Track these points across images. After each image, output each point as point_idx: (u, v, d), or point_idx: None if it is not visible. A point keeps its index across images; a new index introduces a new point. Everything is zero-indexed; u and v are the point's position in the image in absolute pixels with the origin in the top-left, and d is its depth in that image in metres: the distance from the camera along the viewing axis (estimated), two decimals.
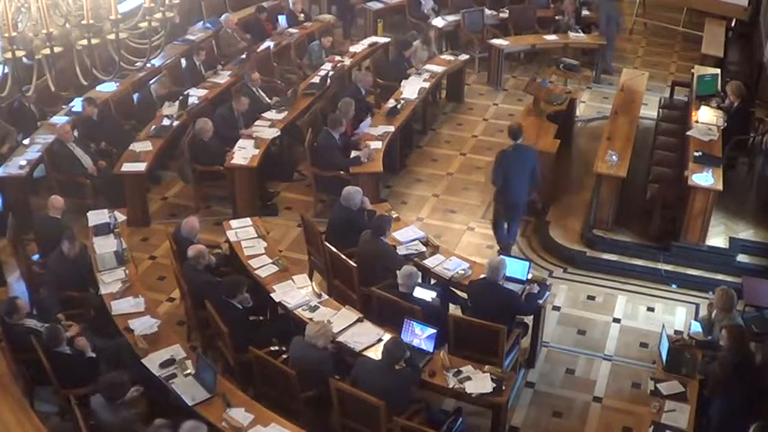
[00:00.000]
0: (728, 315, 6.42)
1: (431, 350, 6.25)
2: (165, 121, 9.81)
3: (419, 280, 6.94)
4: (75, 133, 9.29)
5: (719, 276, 8.20)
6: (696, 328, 6.70)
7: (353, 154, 9.08)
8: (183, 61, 11.53)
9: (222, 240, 8.09)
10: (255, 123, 9.80)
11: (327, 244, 7.42)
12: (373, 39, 12.94)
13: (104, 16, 4.39)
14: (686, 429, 5.64)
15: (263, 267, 7.28)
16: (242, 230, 7.79)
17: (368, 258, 7.19)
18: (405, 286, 6.67)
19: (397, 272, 6.73)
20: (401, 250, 7.47)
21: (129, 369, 5.96)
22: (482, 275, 6.79)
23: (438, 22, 13.33)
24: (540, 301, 6.92)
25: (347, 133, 9.50)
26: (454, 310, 7.08)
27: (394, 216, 7.87)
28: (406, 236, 7.71)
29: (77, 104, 9.86)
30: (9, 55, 4.10)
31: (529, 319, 7.04)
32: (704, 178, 8.08)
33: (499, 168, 8.14)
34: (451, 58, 11.90)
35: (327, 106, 10.37)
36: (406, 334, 6.31)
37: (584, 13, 13.33)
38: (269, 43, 12.16)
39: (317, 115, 10.08)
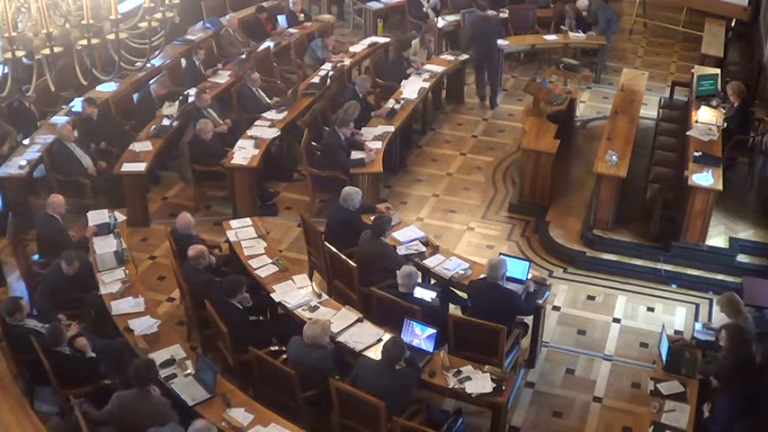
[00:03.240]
0: (741, 316, 6.39)
1: (431, 350, 6.25)
2: (165, 121, 9.82)
3: (419, 280, 6.94)
4: (75, 133, 9.28)
5: (719, 276, 8.21)
6: (700, 326, 6.71)
7: (355, 155, 9.09)
8: (183, 61, 11.54)
9: (222, 240, 8.08)
10: (255, 123, 9.81)
11: (327, 244, 7.41)
12: (373, 39, 12.94)
13: (104, 16, 4.39)
14: (686, 429, 5.64)
15: (263, 267, 7.28)
16: (242, 230, 7.79)
17: (368, 258, 7.18)
18: (405, 286, 6.67)
19: (397, 272, 6.73)
20: (401, 250, 7.47)
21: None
22: (482, 275, 6.79)
23: (438, 22, 13.34)
24: (540, 301, 6.91)
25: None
26: (454, 310, 7.08)
27: (393, 216, 7.87)
28: (406, 236, 7.71)
29: (77, 104, 9.86)
30: (9, 55, 4.10)
31: (529, 319, 7.03)
32: (704, 178, 8.07)
33: (468, 26, 12.15)
34: (451, 58, 11.91)
35: (327, 106, 10.38)
36: (406, 334, 6.30)
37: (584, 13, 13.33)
38: (269, 43, 12.16)
39: (316, 115, 10.08)
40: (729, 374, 5.82)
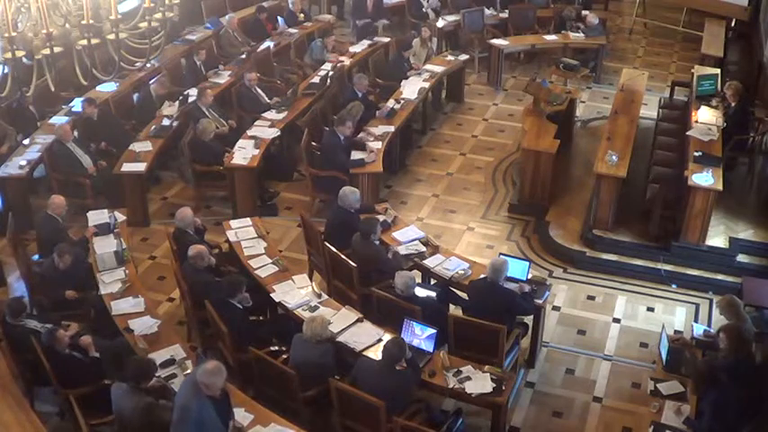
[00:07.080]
0: (740, 318, 6.39)
1: (431, 350, 6.25)
2: (165, 121, 9.82)
3: (419, 280, 6.92)
4: (75, 133, 9.28)
5: (719, 276, 8.20)
6: (699, 330, 6.70)
7: (355, 155, 9.08)
8: (183, 61, 11.54)
9: (222, 240, 8.09)
10: (255, 123, 9.81)
11: (327, 244, 7.41)
12: (373, 39, 12.94)
13: (104, 16, 4.39)
14: (686, 429, 5.64)
15: (263, 267, 7.28)
16: (242, 230, 7.79)
17: (361, 261, 7.16)
18: (404, 292, 6.64)
19: (395, 279, 6.66)
20: (401, 250, 7.46)
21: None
22: (483, 275, 6.79)
23: (438, 22, 13.35)
24: (540, 301, 6.91)
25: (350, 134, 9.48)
26: (454, 310, 7.07)
27: (391, 216, 7.86)
28: (406, 236, 7.71)
29: (77, 104, 9.86)
30: (9, 55, 4.10)
31: (529, 319, 7.03)
32: (704, 178, 8.07)
33: None
34: (451, 58, 11.90)
35: (327, 106, 10.38)
36: (406, 334, 6.29)
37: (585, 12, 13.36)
38: (269, 43, 12.16)
39: (316, 115, 10.08)
40: (711, 373, 5.79)
